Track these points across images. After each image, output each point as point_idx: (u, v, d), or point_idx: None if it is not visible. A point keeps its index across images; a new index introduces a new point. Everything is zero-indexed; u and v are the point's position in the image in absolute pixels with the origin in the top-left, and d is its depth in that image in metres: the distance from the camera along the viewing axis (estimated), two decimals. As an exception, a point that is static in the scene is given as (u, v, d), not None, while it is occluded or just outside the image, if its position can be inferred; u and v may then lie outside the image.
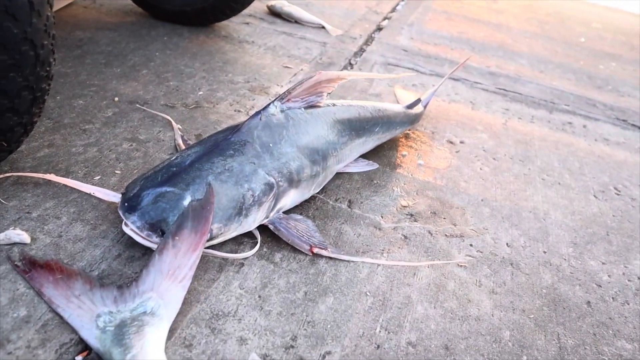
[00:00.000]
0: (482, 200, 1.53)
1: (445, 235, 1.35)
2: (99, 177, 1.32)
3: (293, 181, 1.25)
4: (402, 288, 1.16)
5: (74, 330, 0.93)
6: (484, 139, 1.89)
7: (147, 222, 1.05)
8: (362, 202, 1.41)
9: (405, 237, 1.32)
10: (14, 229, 1.11)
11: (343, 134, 1.42)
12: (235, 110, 1.74)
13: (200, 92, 1.81)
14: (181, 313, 0.99)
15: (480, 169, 1.69)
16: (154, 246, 1.05)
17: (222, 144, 1.20)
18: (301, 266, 1.16)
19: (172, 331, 0.96)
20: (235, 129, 1.25)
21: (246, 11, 2.67)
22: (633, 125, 2.29)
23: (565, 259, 1.36)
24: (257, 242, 1.18)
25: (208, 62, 2.05)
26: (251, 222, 1.17)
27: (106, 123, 1.54)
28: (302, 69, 2.15)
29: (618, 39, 3.70)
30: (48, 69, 1.02)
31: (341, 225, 1.31)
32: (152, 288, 0.98)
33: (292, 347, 0.98)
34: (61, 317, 0.94)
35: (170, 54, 2.06)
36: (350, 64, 2.33)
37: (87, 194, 1.22)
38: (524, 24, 3.56)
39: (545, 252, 1.37)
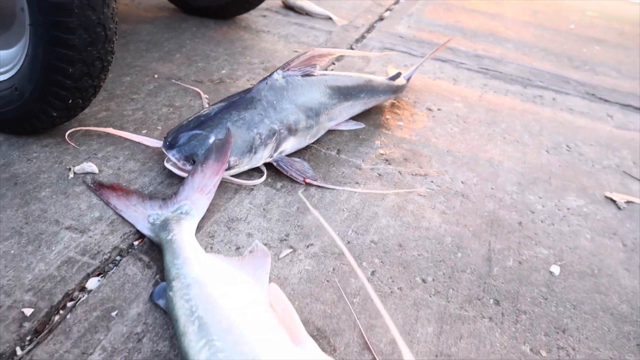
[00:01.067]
0: (447, 151, 1.89)
1: (412, 174, 1.72)
2: (145, 131, 1.73)
3: (292, 130, 1.64)
4: (371, 208, 1.54)
5: (132, 226, 1.33)
6: (459, 107, 2.24)
7: (183, 155, 1.45)
8: (348, 151, 1.79)
9: (380, 175, 1.69)
10: (86, 162, 1.52)
11: (333, 97, 1.80)
12: (251, 85, 2.13)
13: (223, 71, 2.22)
14: (206, 217, 1.39)
15: (451, 129, 2.05)
16: (185, 175, 1.46)
17: (238, 101, 1.60)
18: (296, 192, 1.55)
19: (199, 228, 1.36)
20: (248, 90, 1.64)
21: (263, 5, 3.07)
22: (600, 98, 2.61)
23: (508, 194, 1.72)
24: (263, 174, 1.58)
25: (230, 48, 2.45)
26: (259, 159, 1.56)
27: (149, 94, 1.95)
28: (308, 53, 2.54)
29: (609, 25, 3.98)
30: (112, 45, 1.43)
31: (329, 166, 1.70)
32: (187, 197, 1.38)
33: (285, 240, 1.37)
34: (123, 218, 1.35)
35: (199, 41, 2.47)
36: (352, 48, 2.71)
37: (136, 142, 1.63)
38: (519, 14, 3.87)
39: (492, 189, 1.73)
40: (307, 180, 1.58)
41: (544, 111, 2.36)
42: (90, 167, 1.51)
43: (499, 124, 2.16)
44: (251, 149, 1.53)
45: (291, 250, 1.34)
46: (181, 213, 1.34)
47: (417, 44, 2.89)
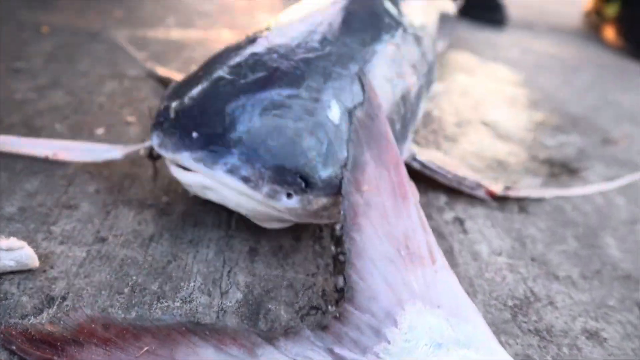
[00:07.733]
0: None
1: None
2: (102, 129, 0.67)
3: (429, 85, 0.75)
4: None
5: None
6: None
7: (265, 165, 0.44)
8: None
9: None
10: (-12, 241, 0.44)
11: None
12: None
13: (170, 19, 1.18)
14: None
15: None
16: (278, 225, 0.50)
17: (340, 15, 0.62)
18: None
19: None
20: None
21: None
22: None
23: None
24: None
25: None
26: (409, 146, 0.64)
27: (52, 58, 0.86)
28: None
29: None
30: None
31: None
32: (400, 300, 0.40)
33: None
34: None
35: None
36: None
37: (88, 162, 0.58)
38: None
39: None
40: (500, 192, 0.68)
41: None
42: (13, 252, 0.43)
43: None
44: (406, 127, 0.60)
45: None
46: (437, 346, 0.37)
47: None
